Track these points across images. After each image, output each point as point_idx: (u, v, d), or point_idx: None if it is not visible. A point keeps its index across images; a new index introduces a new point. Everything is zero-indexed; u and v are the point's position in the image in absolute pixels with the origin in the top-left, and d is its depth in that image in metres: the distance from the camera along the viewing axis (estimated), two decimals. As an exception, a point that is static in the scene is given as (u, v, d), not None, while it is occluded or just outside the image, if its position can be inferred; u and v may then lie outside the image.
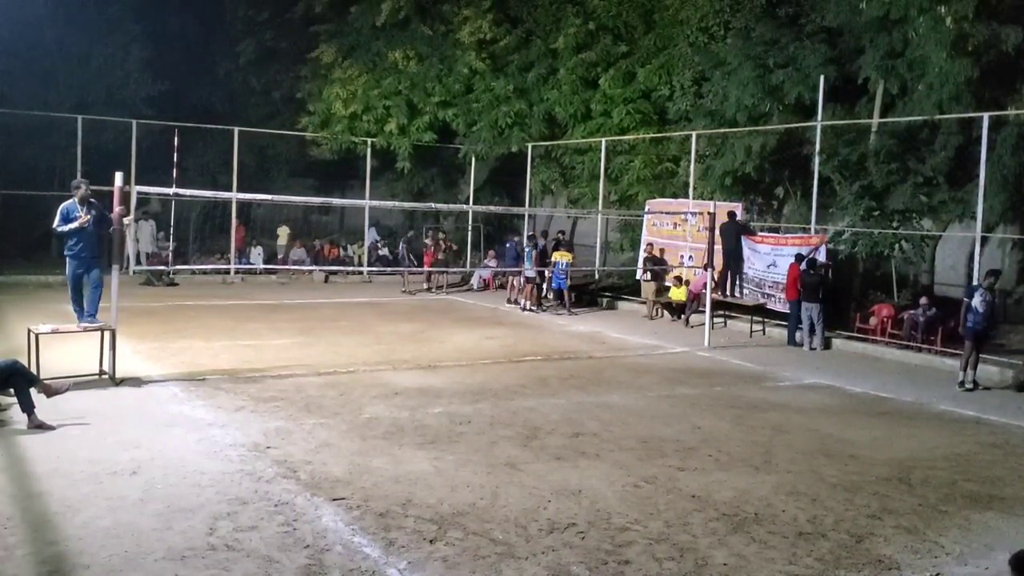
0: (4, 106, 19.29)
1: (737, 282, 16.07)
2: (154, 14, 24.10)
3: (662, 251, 17.63)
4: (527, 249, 17.53)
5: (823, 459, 7.61)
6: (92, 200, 10.00)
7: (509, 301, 18.40)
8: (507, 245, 19.68)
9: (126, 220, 9.72)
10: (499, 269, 20.11)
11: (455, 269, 21.27)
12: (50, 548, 5.09)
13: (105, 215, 9.86)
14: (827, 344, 14.07)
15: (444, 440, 7.70)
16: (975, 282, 12.23)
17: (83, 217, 9.79)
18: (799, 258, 14.26)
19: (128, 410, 8.31)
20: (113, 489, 6.06)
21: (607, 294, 19.18)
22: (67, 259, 10.06)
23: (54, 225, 9.96)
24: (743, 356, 13.08)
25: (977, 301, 11.22)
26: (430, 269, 19.87)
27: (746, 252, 15.88)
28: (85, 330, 9.86)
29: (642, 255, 17.95)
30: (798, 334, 14.19)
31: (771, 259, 15.37)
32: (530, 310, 17.31)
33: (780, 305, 15.00)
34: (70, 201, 9.97)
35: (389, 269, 21.93)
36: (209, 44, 25.79)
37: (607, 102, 19.56)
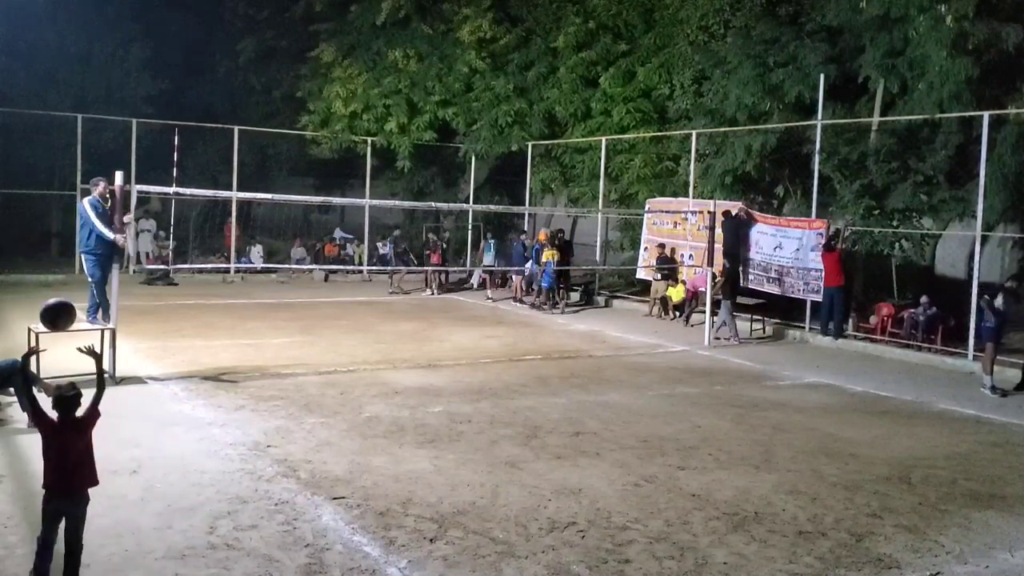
0: (4, 105, 19.28)
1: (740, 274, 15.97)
2: (154, 13, 24.12)
3: (673, 251, 17.49)
4: (516, 245, 17.82)
5: (823, 458, 7.61)
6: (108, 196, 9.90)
7: (515, 300, 18.46)
8: (514, 244, 19.83)
9: (126, 219, 9.69)
10: (499, 268, 20.07)
11: (455, 268, 21.18)
12: (50, 547, 5.09)
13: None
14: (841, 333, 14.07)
15: (444, 439, 7.70)
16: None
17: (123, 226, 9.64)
18: (828, 247, 13.92)
19: (128, 409, 8.30)
20: (113, 488, 6.04)
21: (606, 292, 19.17)
22: (93, 259, 9.87)
23: (101, 228, 9.60)
24: (743, 355, 13.08)
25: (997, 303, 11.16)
26: (437, 267, 19.80)
27: (753, 236, 15.66)
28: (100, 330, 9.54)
29: (643, 254, 17.90)
30: (831, 324, 14.06)
31: (777, 241, 15.21)
32: (521, 302, 17.83)
33: (786, 290, 14.89)
34: (94, 198, 9.85)
35: (389, 268, 21.86)
36: (209, 43, 25.79)
37: (607, 101, 19.54)
